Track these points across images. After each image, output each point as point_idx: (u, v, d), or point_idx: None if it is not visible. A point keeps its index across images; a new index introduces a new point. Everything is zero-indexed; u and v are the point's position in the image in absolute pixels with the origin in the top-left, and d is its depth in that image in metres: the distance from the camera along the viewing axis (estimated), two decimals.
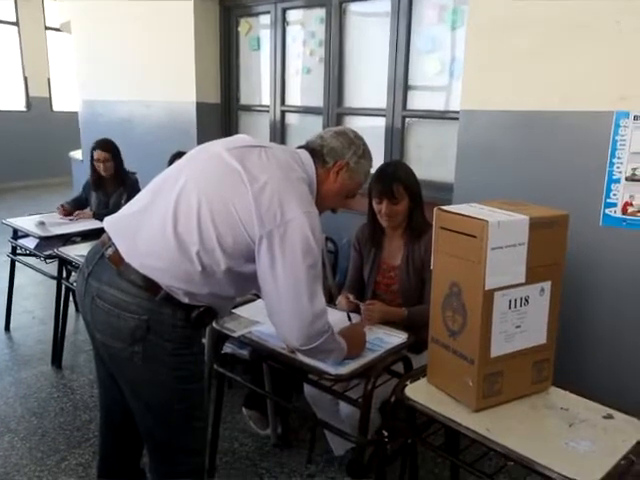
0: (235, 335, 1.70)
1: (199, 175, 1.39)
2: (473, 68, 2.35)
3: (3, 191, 7.85)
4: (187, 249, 1.31)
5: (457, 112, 2.54)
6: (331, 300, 2.73)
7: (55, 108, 8.98)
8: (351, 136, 1.60)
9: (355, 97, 3.23)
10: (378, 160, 3.09)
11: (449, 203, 1.95)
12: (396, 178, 1.96)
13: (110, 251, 1.36)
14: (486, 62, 2.29)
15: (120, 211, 1.48)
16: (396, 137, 2.96)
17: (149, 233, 1.35)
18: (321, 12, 3.22)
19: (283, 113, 3.58)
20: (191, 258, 1.31)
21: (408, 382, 1.42)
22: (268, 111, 3.65)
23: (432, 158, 2.91)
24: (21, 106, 8.65)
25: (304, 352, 1.43)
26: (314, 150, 1.54)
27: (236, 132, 3.90)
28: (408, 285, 2.00)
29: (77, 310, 3.46)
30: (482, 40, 2.29)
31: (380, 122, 3.05)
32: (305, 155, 1.52)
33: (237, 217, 1.32)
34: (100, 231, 2.57)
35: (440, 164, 2.80)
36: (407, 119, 2.93)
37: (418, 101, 2.92)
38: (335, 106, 3.24)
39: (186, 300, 1.35)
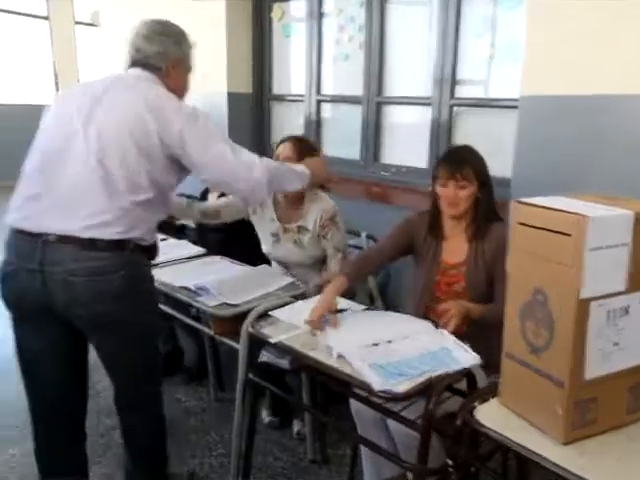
0: (272, 341, 1.53)
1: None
2: (535, 50, 2.14)
3: None
4: (122, 186, 1.44)
5: (513, 100, 2.33)
6: (372, 302, 2.55)
7: None
8: (160, 29, 1.65)
9: (397, 85, 3.04)
10: (422, 154, 2.93)
11: (505, 200, 1.76)
12: (466, 160, 1.80)
13: (52, 237, 1.41)
14: (550, 43, 2.08)
15: (19, 200, 1.49)
16: (443, 128, 2.75)
17: (82, 198, 1.43)
18: None
19: (319, 103, 3.40)
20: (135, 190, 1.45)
21: (477, 403, 1.23)
22: (302, 101, 3.47)
23: (483, 150, 2.67)
24: (51, 100, 8.64)
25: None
26: (143, 64, 1.62)
27: (269, 123, 3.74)
28: (477, 283, 1.81)
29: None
30: (544, 20, 2.08)
31: (424, 112, 2.85)
32: (142, 74, 1.61)
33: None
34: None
35: (493, 157, 2.52)
36: (455, 108, 2.72)
37: (467, 89, 2.70)
38: (375, 95, 3.05)
39: (145, 243, 1.52)
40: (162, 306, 2.11)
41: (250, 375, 1.71)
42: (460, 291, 1.84)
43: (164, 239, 2.66)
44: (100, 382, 2.69)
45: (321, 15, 3.29)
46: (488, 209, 1.83)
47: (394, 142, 3.09)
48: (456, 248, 1.88)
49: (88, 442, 2.21)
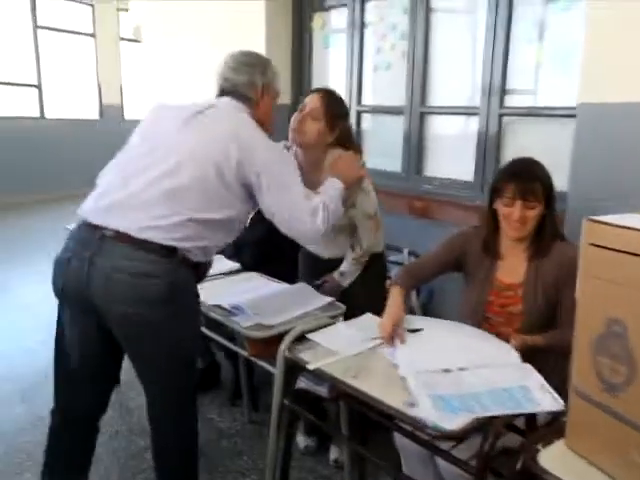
0: (310, 368, 1.42)
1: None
2: (594, 55, 1.99)
3: (73, 197, 8.03)
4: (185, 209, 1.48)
5: (569, 108, 2.18)
6: None
7: (127, 116, 9.16)
8: (246, 60, 1.70)
9: (440, 94, 2.91)
10: (468, 166, 2.80)
11: (560, 215, 1.62)
12: (536, 176, 1.62)
13: (110, 233, 1.45)
14: (610, 47, 1.93)
15: (94, 195, 1.56)
16: (491, 139, 2.61)
17: (148, 203, 1.47)
18: (405, 1, 2.93)
19: (359, 114, 3.31)
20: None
21: (540, 446, 1.09)
22: None
23: None
24: (95, 114, 8.88)
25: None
26: (232, 92, 1.67)
27: None
28: (535, 307, 1.65)
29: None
30: (605, 23, 1.93)
31: (470, 122, 2.72)
32: (233, 102, 1.66)
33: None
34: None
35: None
36: (504, 118, 2.58)
37: (516, 97, 2.56)
38: (418, 105, 2.93)
39: (196, 259, 1.53)
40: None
41: (286, 401, 1.61)
42: (515, 314, 1.69)
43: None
44: (134, 399, 2.65)
45: (363, 24, 3.21)
46: (550, 229, 1.66)
47: (437, 154, 2.96)
48: (513, 267, 1.73)
49: (118, 464, 2.18)
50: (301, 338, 1.63)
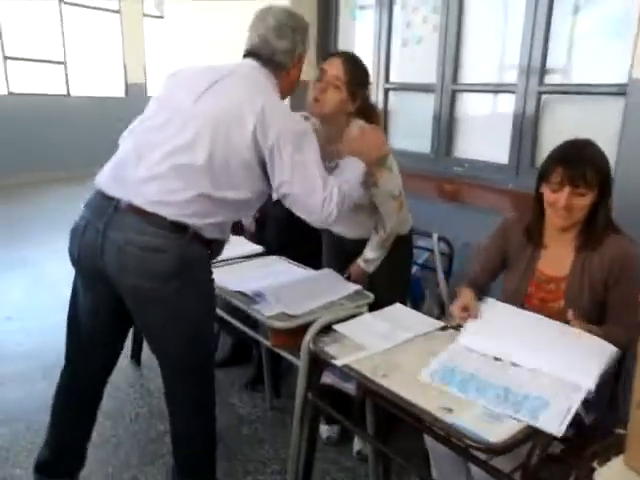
0: (338, 364, 1.31)
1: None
2: None
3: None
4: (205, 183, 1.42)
5: (618, 85, 1.99)
6: (442, 311, 2.29)
7: (150, 94, 9.06)
8: (291, 23, 1.56)
9: (474, 71, 2.73)
10: (503, 148, 2.62)
11: None
12: (589, 160, 1.44)
13: (123, 205, 1.41)
14: None
15: (110, 164, 1.52)
16: (528, 119, 2.43)
17: (161, 176, 1.41)
18: None
19: (387, 91, 3.14)
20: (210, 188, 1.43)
21: (596, 464, 0.96)
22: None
23: None
24: (121, 92, 8.79)
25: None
26: (267, 59, 1.55)
27: None
28: (578, 304, 1.49)
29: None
30: None
31: (506, 101, 2.54)
32: (262, 70, 1.54)
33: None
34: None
35: None
36: (544, 96, 2.39)
37: (559, 74, 2.37)
38: (450, 82, 2.75)
39: (210, 235, 1.48)
40: (218, 310, 1.94)
41: (310, 395, 1.50)
42: (556, 310, 1.54)
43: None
44: (153, 381, 2.59)
45: None
46: (603, 219, 1.49)
47: (469, 134, 2.79)
48: (558, 259, 1.57)
49: (138, 447, 2.12)
50: (327, 329, 1.52)
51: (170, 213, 1.40)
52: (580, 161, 1.43)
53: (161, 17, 7.96)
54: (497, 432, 1.05)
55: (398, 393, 1.18)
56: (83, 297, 1.57)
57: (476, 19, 2.65)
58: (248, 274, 1.93)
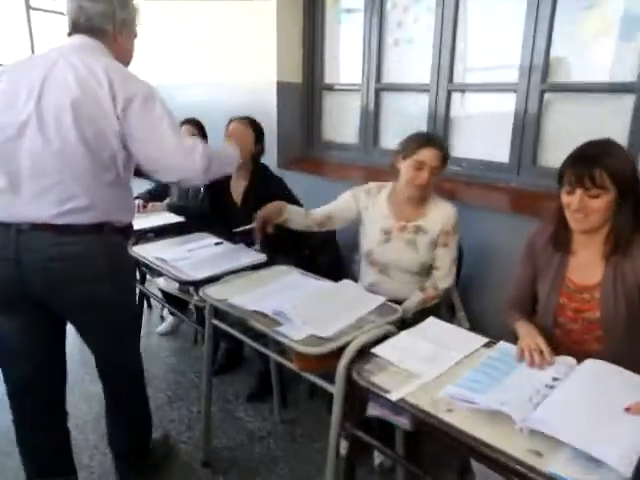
0: (393, 399, 1.08)
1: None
2: None
3: None
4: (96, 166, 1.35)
5: (626, 83, 1.82)
6: (453, 315, 2.09)
7: None
8: None
9: (472, 70, 2.52)
10: (503, 147, 2.44)
11: None
12: (598, 161, 1.28)
13: (25, 226, 1.32)
14: None
15: None
16: (529, 120, 2.24)
17: (49, 184, 1.32)
18: None
19: (378, 92, 2.90)
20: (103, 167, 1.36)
21: None
22: (359, 90, 2.98)
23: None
24: None
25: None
26: (87, 29, 1.42)
27: (320, 115, 3.25)
28: (615, 313, 1.33)
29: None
30: None
31: (507, 100, 2.34)
32: (89, 42, 1.41)
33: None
34: (177, 225, 2.58)
35: None
36: (546, 94, 2.21)
37: (564, 71, 2.18)
38: (446, 81, 2.54)
39: (121, 224, 1.45)
40: (223, 326, 1.68)
41: (348, 426, 1.27)
42: (593, 321, 1.38)
43: (219, 243, 2.23)
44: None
45: None
46: (629, 221, 1.33)
47: (466, 134, 2.59)
48: (587, 266, 1.41)
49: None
50: (361, 351, 1.29)
51: (82, 218, 1.34)
52: (588, 162, 1.28)
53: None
54: None
55: (475, 435, 0.96)
56: (6, 323, 1.45)
57: (473, 16, 2.45)
58: (261, 289, 1.68)
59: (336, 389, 1.28)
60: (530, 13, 2.16)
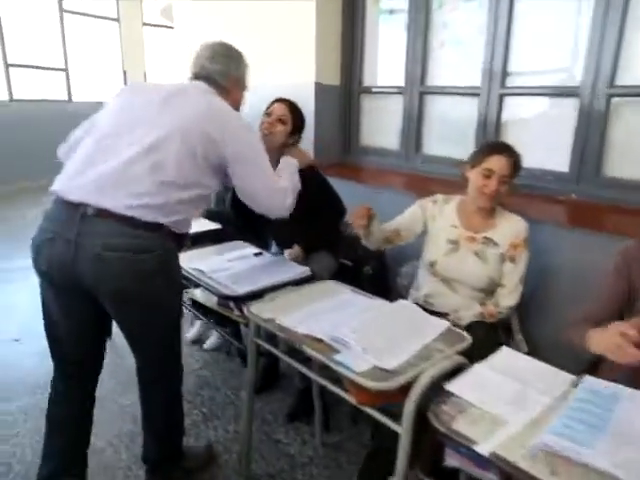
0: (483, 452, 0.92)
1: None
2: None
3: None
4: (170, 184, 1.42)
5: None
6: (509, 336, 1.91)
7: None
8: (222, 51, 1.65)
9: (519, 75, 2.35)
10: (562, 160, 2.26)
11: None
12: None
13: (92, 210, 1.35)
14: None
15: (67, 172, 1.46)
16: (595, 125, 2.06)
17: (130, 180, 1.39)
18: None
19: (422, 95, 2.74)
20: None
21: None
22: (401, 93, 2.82)
23: None
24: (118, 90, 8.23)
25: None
26: (206, 78, 1.61)
27: (358, 118, 3.10)
28: None
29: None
30: None
31: (567, 105, 2.16)
32: (205, 87, 1.59)
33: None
34: (212, 233, 2.52)
35: None
36: (614, 99, 2.02)
37: (632, 73, 1.99)
38: (499, 85, 2.37)
39: (179, 231, 1.49)
40: (267, 346, 1.54)
41: (419, 474, 1.11)
42: None
43: (258, 253, 2.09)
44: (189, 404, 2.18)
45: None
46: None
47: (518, 141, 2.39)
48: None
49: None
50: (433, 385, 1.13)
51: (146, 215, 1.37)
52: None
53: (167, 27, 7.50)
54: None
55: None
56: (56, 307, 1.48)
57: (526, 17, 2.27)
58: (309, 307, 1.53)
59: (404, 430, 1.13)
60: (597, 12, 1.97)
